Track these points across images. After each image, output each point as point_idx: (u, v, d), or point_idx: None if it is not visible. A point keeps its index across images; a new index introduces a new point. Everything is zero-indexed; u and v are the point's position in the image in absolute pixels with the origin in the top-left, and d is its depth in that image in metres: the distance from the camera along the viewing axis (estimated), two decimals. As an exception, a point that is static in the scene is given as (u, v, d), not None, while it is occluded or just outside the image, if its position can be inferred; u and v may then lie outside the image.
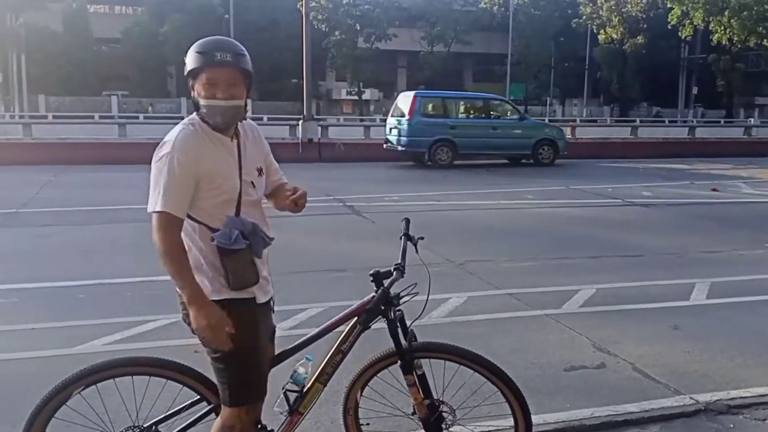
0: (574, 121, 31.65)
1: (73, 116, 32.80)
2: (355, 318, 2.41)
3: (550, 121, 37.62)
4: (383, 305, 2.37)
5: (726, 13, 21.44)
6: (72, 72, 49.12)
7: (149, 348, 4.01)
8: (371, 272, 2.39)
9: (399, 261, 2.41)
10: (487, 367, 2.46)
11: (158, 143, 2.14)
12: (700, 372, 4.02)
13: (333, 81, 57.89)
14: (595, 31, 47.81)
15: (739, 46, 22.81)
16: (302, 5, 19.95)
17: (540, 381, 3.90)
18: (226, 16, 40.25)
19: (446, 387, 2.57)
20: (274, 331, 2.45)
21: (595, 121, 38.68)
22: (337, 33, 48.55)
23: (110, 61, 52.30)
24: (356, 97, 55.10)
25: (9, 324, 4.73)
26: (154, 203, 2.04)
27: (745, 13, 21.98)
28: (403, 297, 2.40)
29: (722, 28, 21.75)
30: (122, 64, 51.48)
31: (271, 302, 2.36)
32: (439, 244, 7.33)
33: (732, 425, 3.34)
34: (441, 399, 2.54)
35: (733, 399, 3.59)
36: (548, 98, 52.28)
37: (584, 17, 47.42)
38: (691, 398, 3.61)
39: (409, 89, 60.33)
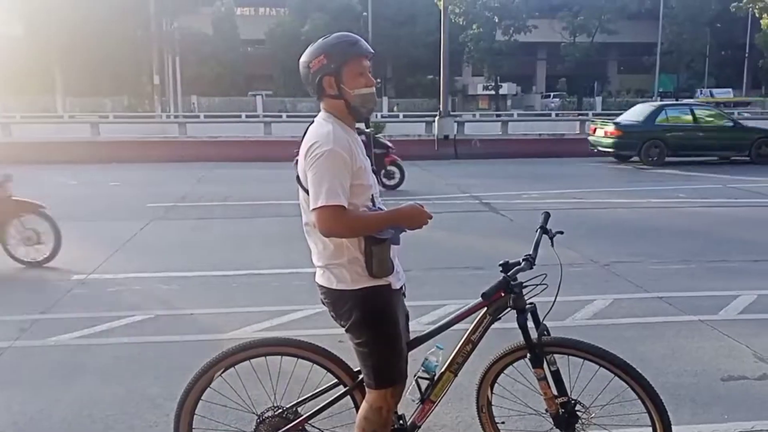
0: (733, 113, 29.22)
1: (222, 115, 35.05)
2: (485, 308, 2.42)
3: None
4: (504, 292, 2.36)
5: None
6: (221, 73, 52.28)
7: (296, 335, 4.21)
8: (501, 262, 2.39)
9: (530, 252, 2.41)
10: (623, 368, 2.36)
11: (300, 140, 2.22)
12: None
13: (469, 76, 57.47)
14: (757, 15, 43.77)
15: None
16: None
17: (694, 390, 3.67)
18: (365, 13, 41.18)
19: (585, 387, 2.49)
20: (408, 316, 2.50)
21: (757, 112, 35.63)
22: (474, 26, 48.03)
23: (255, 62, 55.11)
24: (493, 92, 54.32)
25: (171, 309, 5.14)
26: (327, 197, 2.08)
27: None
28: (526, 286, 2.38)
29: None
30: (267, 64, 53.95)
31: (403, 288, 2.41)
32: (584, 243, 7.11)
33: None
34: (576, 399, 2.47)
35: None
36: (701, 89, 48.70)
37: (745, 1, 43.59)
38: None
39: (548, 82, 58.98)
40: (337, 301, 2.27)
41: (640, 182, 12.92)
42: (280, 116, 32.93)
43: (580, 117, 26.95)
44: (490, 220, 8.90)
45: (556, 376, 2.43)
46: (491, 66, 51.28)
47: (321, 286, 2.31)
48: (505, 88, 54.89)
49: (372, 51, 2.25)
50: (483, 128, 22.45)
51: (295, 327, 4.63)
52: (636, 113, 16.70)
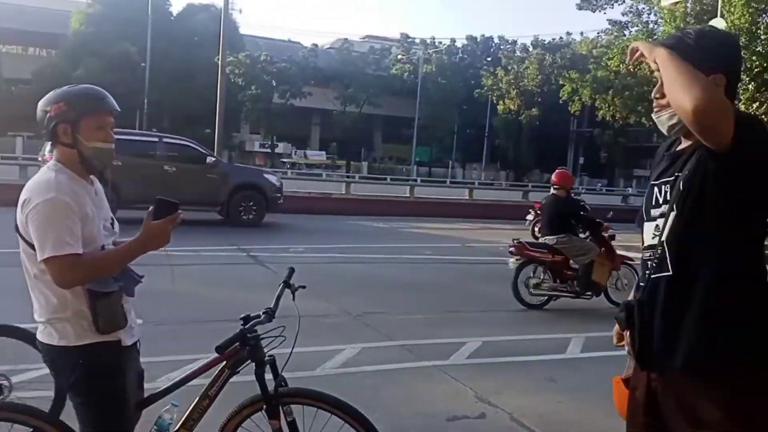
0: (473, 183, 33.17)
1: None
2: (224, 362, 2.43)
3: (451, 182, 39.32)
4: (241, 344, 2.38)
5: (610, 92, 23.25)
6: (-21, 111, 46.34)
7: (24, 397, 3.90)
8: (242, 316, 2.44)
9: (271, 306, 2.48)
10: (351, 415, 2.49)
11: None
12: (570, 420, 4.34)
13: (247, 133, 57.77)
14: (494, 101, 50.53)
15: (621, 122, 24.68)
16: (219, 59, 20.16)
17: (424, 431, 4.07)
18: (143, 64, 39.69)
19: None
20: (143, 375, 2.43)
21: (492, 184, 40.64)
22: (253, 87, 48.82)
23: (19, 102, 49.95)
24: (269, 150, 55.22)
25: None
26: (55, 248, 2.03)
27: (626, 93, 23.86)
28: (263, 338, 2.42)
29: (607, 105, 23.57)
30: (32, 105, 48.98)
31: (137, 345, 2.35)
32: (340, 295, 7.50)
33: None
34: None
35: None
36: (450, 161, 54.41)
37: (485, 88, 50.10)
38: (560, 445, 3.89)
39: (321, 145, 61.51)
40: (58, 358, 2.16)
41: (400, 239, 13.98)
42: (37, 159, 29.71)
43: (347, 179, 28.43)
44: (255, 273, 9.00)
45: (292, 426, 2.48)
46: (268, 125, 52.27)
47: (41, 343, 2.18)
48: (281, 147, 56.14)
49: (118, 109, 2.27)
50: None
51: (25, 388, 4.27)
52: None
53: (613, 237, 7.97)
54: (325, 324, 6.39)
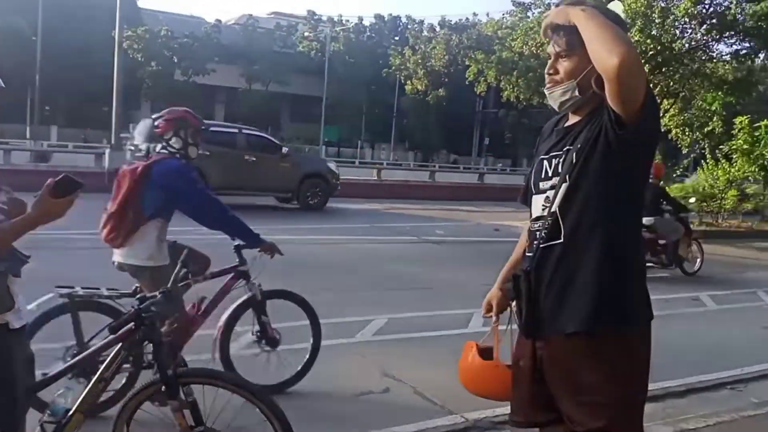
0: (382, 164, 33.41)
1: None
2: (120, 344, 2.37)
3: (360, 162, 39.34)
4: (136, 324, 2.33)
5: (515, 73, 23.78)
6: None
7: None
8: (138, 296, 2.39)
9: (168, 286, 2.44)
10: (252, 393, 2.49)
11: None
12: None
13: (148, 111, 55.50)
14: (402, 81, 50.81)
15: (524, 103, 25.42)
16: (115, 33, 19.21)
17: (330, 408, 4.09)
18: (33, 38, 37.26)
19: (219, 415, 2.56)
20: (33, 360, 2.34)
21: (400, 164, 41.07)
22: (153, 64, 46.82)
23: None
24: (171, 130, 53.32)
25: None
26: None
27: (530, 74, 24.48)
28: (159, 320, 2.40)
29: (511, 86, 24.12)
30: None
31: (25, 328, 2.25)
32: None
33: (495, 439, 3.75)
34: (212, 426, 2.53)
35: (497, 416, 3.95)
36: (359, 141, 54.43)
37: (393, 68, 50.23)
38: (462, 417, 3.97)
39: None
40: None
41: (305, 220, 13.86)
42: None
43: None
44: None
45: (193, 406, 2.44)
46: (170, 104, 50.14)
47: None
48: (184, 127, 54.31)
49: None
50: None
51: None
52: None
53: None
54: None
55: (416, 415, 3.97)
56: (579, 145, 1.92)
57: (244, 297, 4.19)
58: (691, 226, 9.44)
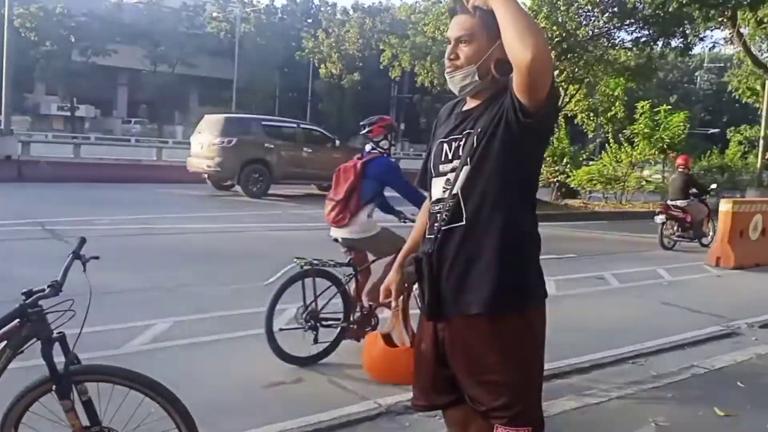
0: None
1: None
2: (5, 342, 2.25)
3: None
4: (22, 321, 2.24)
5: (428, 58, 23.95)
6: None
7: None
8: (24, 290, 2.26)
9: (58, 279, 2.31)
10: (151, 388, 2.40)
11: None
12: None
13: (42, 94, 52.43)
14: (316, 65, 50.32)
15: (439, 89, 25.70)
16: (5, 10, 18.06)
17: (241, 400, 3.97)
18: None
19: (116, 412, 2.45)
20: None
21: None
22: (48, 43, 44.19)
23: None
24: (69, 113, 50.53)
25: None
26: None
27: (443, 59, 24.70)
28: (48, 312, 2.28)
29: (425, 71, 24.28)
30: None
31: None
32: (151, 268, 7.14)
33: (408, 423, 3.73)
34: (108, 426, 2.44)
35: (410, 400, 4.03)
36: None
37: (306, 51, 49.64)
38: (376, 402, 3.94)
39: (130, 108, 57.51)
40: None
41: (216, 208, 13.48)
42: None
43: (159, 144, 26.92)
44: (51, 248, 8.18)
45: (88, 405, 2.35)
46: (67, 86, 47.71)
47: None
48: (83, 111, 51.54)
49: None
50: (55, 150, 20.80)
51: None
52: None
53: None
54: (135, 299, 6.03)
55: (330, 404, 3.91)
56: (479, 129, 1.96)
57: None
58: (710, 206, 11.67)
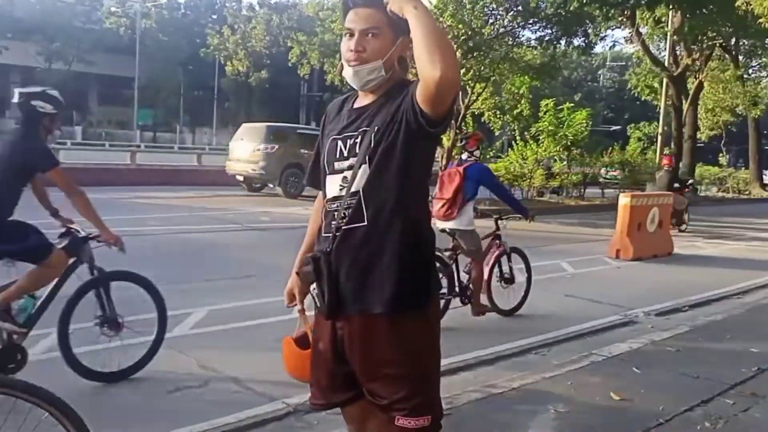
0: (203, 149, 32.23)
1: None
2: None
3: (179, 148, 37.54)
4: None
5: (337, 56, 23.84)
6: None
7: None
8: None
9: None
10: (39, 396, 2.22)
11: None
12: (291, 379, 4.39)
13: None
14: (222, 62, 49.14)
15: (348, 87, 25.60)
16: None
17: (141, 406, 3.84)
18: None
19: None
20: None
21: (224, 149, 39.78)
22: (-68, 40, 41.04)
23: None
24: (-47, 114, 47.13)
25: None
26: None
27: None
28: None
29: (335, 69, 24.22)
30: None
31: None
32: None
33: (316, 422, 3.68)
34: None
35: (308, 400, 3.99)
36: (178, 125, 51.90)
37: (212, 48, 48.32)
38: (284, 402, 3.89)
39: (21, 107, 54.04)
40: None
41: (120, 211, 12.90)
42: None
43: (56, 146, 25.55)
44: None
45: None
46: (-50, 85, 44.48)
47: None
48: (-30, 110, 48.28)
49: None
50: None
51: None
52: None
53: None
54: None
55: (236, 406, 3.83)
56: (376, 128, 1.96)
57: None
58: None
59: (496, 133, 25.91)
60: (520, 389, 4.11)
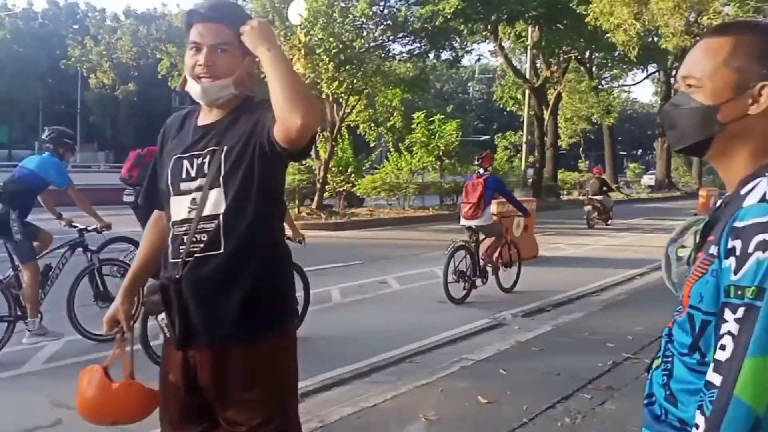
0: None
1: None
2: None
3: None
4: None
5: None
6: None
7: None
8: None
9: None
10: None
11: None
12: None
13: None
14: (86, 74, 46.52)
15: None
16: None
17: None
18: None
19: None
20: None
21: (90, 166, 37.70)
22: None
23: None
24: None
25: None
26: None
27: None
28: None
29: (177, 81, 23.57)
30: None
31: None
32: None
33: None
34: None
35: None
36: (37, 142, 48.40)
37: (73, 60, 45.63)
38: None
39: None
40: None
41: None
42: None
43: None
44: None
45: None
46: None
47: None
48: None
49: None
50: None
51: None
52: None
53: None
54: None
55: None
56: (226, 148, 1.88)
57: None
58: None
59: (372, 145, 26.21)
60: (393, 399, 4.12)
